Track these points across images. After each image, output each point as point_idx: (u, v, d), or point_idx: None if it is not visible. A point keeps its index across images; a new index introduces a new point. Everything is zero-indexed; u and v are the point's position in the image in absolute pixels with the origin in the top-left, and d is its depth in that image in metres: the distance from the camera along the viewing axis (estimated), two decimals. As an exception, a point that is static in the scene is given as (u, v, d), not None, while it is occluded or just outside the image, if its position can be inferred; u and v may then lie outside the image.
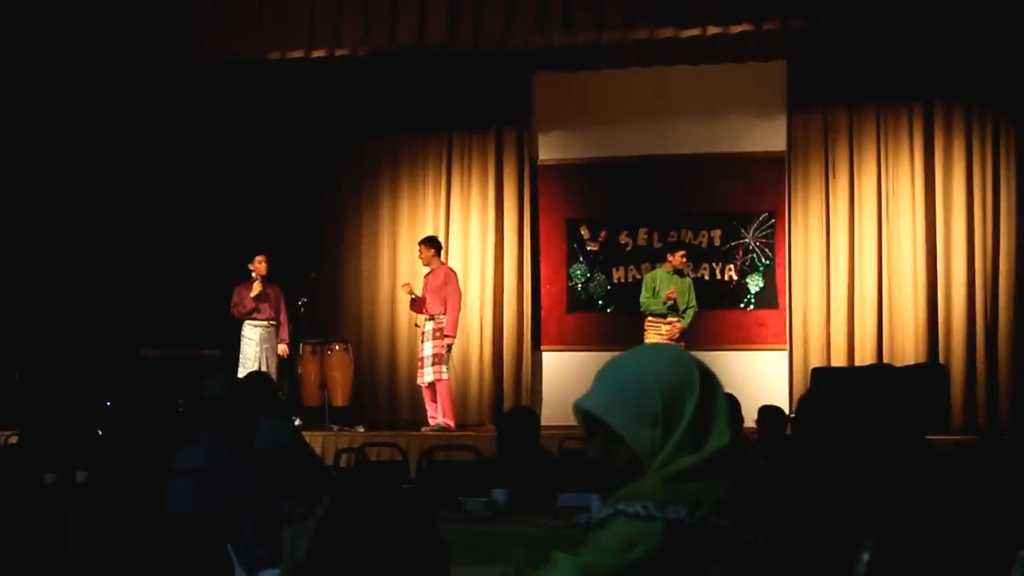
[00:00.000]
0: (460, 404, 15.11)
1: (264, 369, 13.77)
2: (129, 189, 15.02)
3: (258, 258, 14.28)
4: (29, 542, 6.02)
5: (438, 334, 13.95)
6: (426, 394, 14.15)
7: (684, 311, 13.78)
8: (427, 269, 14.28)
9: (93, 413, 11.55)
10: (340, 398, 14.40)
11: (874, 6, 12.54)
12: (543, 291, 15.66)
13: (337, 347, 14.50)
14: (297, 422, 13.38)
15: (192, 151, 15.44)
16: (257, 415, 6.31)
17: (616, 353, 2.95)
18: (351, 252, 15.96)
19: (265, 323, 14.24)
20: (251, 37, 13.38)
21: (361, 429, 14.08)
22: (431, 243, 14.24)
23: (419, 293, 14.09)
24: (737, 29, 13.11)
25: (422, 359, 14.02)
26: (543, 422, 13.20)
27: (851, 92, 14.73)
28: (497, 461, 7.89)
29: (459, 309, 14.17)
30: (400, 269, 15.59)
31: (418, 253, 14.31)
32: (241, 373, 13.68)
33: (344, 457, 11.23)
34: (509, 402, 14.93)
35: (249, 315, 14.22)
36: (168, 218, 15.23)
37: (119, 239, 14.89)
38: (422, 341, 14.08)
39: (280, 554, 5.39)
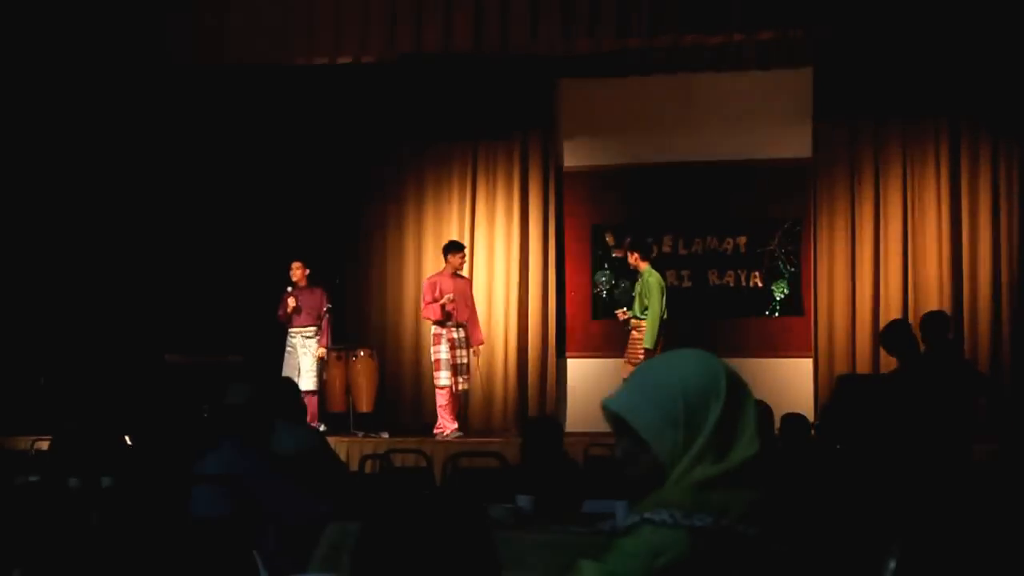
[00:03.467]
0: (485, 411, 15.12)
1: (300, 374, 13.92)
2: (155, 195, 15.06)
3: (293, 264, 14.30)
4: (54, 546, 6.04)
5: (469, 342, 13.99)
6: (451, 401, 14.15)
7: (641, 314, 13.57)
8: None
9: (118, 418, 11.58)
10: (365, 404, 14.40)
11: (898, 16, 12.52)
12: (568, 298, 15.65)
13: (362, 353, 14.50)
14: (322, 428, 13.40)
15: (219, 157, 15.48)
16: (274, 420, 6.33)
17: (693, 350, 2.91)
18: (376, 258, 15.97)
19: (300, 331, 14.25)
20: (277, 43, 13.40)
21: (386, 435, 14.08)
22: (464, 248, 14.33)
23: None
24: (763, 36, 13.09)
25: (456, 366, 13.96)
26: (567, 429, 13.25)
27: (877, 99, 14.68)
28: (522, 468, 7.89)
29: None
30: (425, 275, 15.59)
31: (461, 258, 14.18)
32: None
33: (369, 463, 11.23)
34: (534, 409, 14.92)
35: (289, 322, 14.28)
36: (194, 224, 15.28)
37: (144, 245, 14.93)
38: (453, 347, 13.99)
39: (306, 560, 5.38)
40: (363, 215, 16.04)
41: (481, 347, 14.38)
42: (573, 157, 15.76)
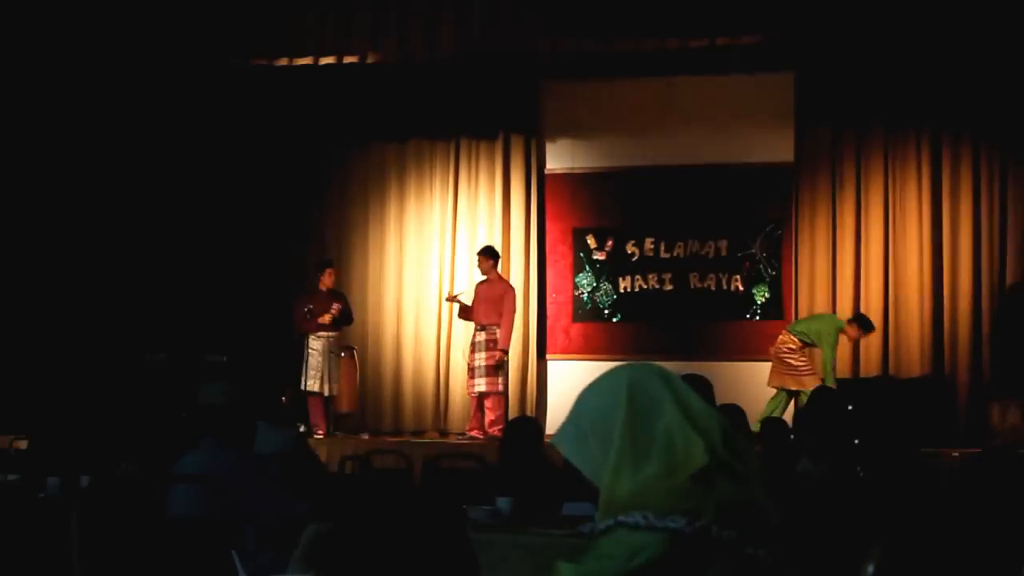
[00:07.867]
0: (465, 412, 15.13)
1: (326, 378, 13.91)
2: (135, 194, 15.04)
3: (327, 271, 14.30)
4: (33, 546, 6.03)
5: (491, 345, 13.91)
6: (471, 403, 14.15)
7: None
8: (473, 278, 14.47)
9: (99, 418, 11.56)
10: (345, 405, 14.39)
11: (881, 21, 12.55)
12: (549, 300, 15.65)
13: (343, 354, 14.49)
14: (301, 428, 13.39)
15: (198, 155, 15.45)
16: (254, 420, 6.32)
17: (618, 364, 2.91)
18: (357, 259, 15.93)
19: (327, 334, 14.16)
20: (260, 43, 13.38)
21: (366, 436, 14.08)
22: (490, 254, 14.15)
23: (467, 302, 14.07)
24: (746, 40, 13.09)
25: (472, 369, 13.95)
26: (548, 431, 13.19)
27: (860, 104, 14.70)
28: (501, 470, 7.89)
29: (513, 324, 14.19)
30: (406, 276, 15.60)
31: (481, 262, 14.12)
32: (303, 383, 13.95)
33: (349, 464, 11.21)
34: (514, 411, 14.90)
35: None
36: (173, 222, 15.24)
37: (125, 244, 14.91)
38: (473, 351, 14.00)
39: (285, 560, 5.38)
40: (344, 215, 16.00)
41: (502, 354, 14.08)
42: (555, 159, 15.77)
